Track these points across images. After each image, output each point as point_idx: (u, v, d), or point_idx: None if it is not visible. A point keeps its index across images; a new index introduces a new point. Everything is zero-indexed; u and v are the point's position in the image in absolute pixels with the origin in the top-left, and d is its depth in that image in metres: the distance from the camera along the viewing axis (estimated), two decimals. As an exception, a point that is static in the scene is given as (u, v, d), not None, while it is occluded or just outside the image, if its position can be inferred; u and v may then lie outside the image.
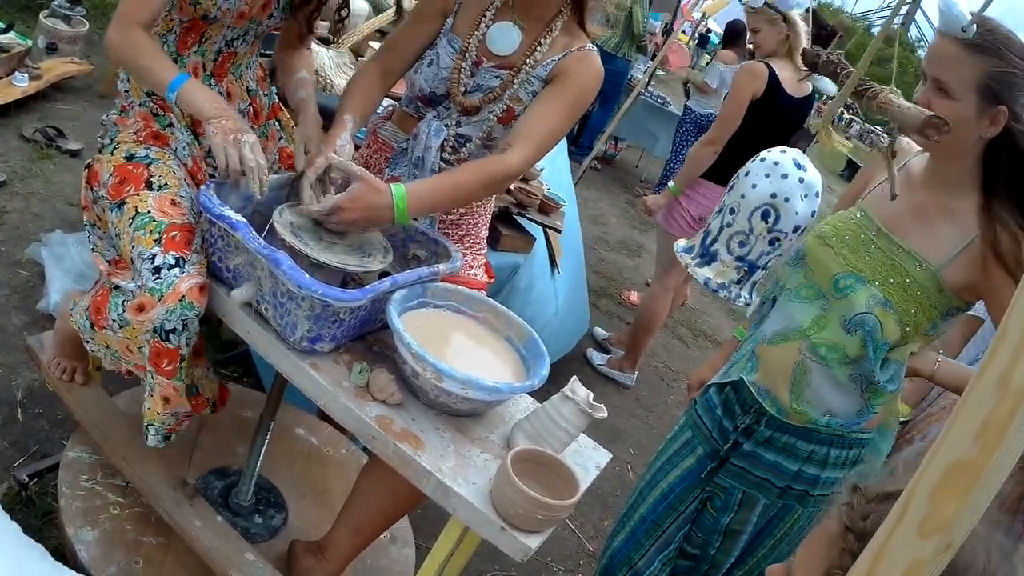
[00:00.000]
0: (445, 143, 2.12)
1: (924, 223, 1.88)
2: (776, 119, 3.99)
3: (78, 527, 2.12)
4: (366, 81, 2.17)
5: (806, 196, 1.47)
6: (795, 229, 1.49)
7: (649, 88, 8.95)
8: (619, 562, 2.34)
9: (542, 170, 3.53)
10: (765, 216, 1.48)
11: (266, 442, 2.38)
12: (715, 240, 1.55)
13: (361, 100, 2.12)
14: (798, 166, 1.47)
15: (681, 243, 1.65)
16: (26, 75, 4.66)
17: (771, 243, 1.51)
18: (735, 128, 3.96)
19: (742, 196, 1.49)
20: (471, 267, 2.25)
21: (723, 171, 3.80)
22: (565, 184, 4.58)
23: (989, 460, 0.62)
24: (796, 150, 1.53)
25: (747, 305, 1.73)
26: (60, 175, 4.23)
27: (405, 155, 2.15)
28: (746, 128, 3.95)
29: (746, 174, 1.50)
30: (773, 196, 1.46)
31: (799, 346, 1.96)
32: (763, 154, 1.51)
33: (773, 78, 3.91)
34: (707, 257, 1.56)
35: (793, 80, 3.95)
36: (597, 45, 7.30)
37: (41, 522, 2.36)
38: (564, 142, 4.99)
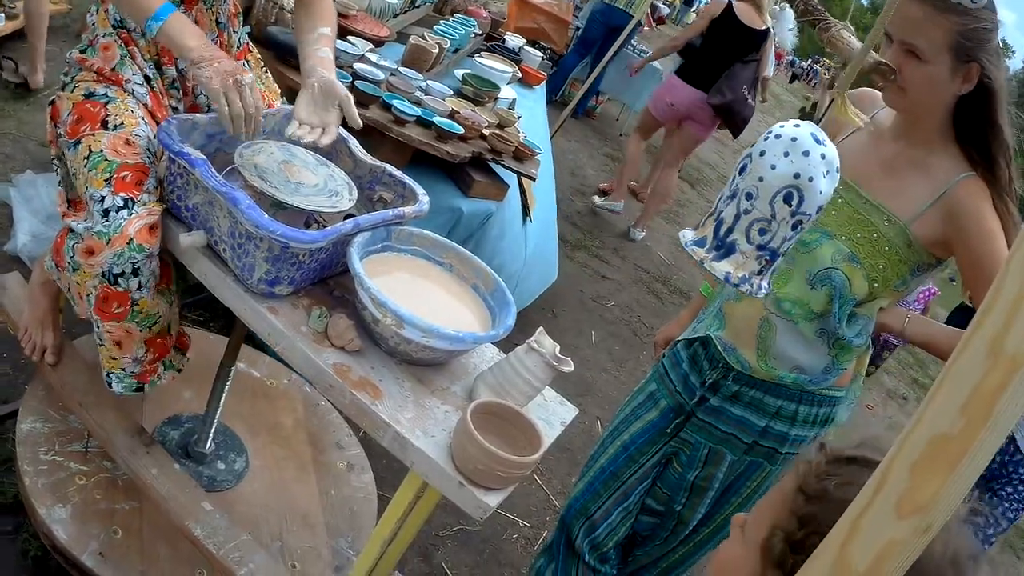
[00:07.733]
0: None
1: (893, 177, 1.86)
2: (731, 37, 5.71)
3: (49, 506, 2.04)
4: None
5: (828, 173, 1.37)
6: (818, 210, 1.39)
7: (632, 42, 8.80)
8: (576, 512, 2.32)
9: (519, 117, 3.44)
10: (788, 199, 1.36)
11: (227, 388, 2.32)
12: (731, 230, 1.42)
13: None
14: (817, 141, 1.36)
15: (689, 235, 1.51)
16: (2, 15, 4.57)
17: (794, 227, 1.40)
18: (693, 35, 6.00)
19: (760, 179, 1.36)
20: None
21: (691, 73, 5.95)
22: (541, 133, 4.51)
23: (976, 435, 0.55)
24: (810, 123, 1.42)
25: (768, 296, 1.64)
26: (33, 115, 4.12)
27: None
28: (710, 41, 5.79)
29: (761, 154, 1.37)
30: (796, 176, 1.35)
31: (764, 302, 1.93)
32: (776, 130, 1.38)
33: (729, 8, 5.69)
34: (723, 249, 1.42)
35: (748, 13, 5.68)
36: (607, 3, 7.67)
37: (0, 469, 2.29)
38: (544, 90, 4.91)
